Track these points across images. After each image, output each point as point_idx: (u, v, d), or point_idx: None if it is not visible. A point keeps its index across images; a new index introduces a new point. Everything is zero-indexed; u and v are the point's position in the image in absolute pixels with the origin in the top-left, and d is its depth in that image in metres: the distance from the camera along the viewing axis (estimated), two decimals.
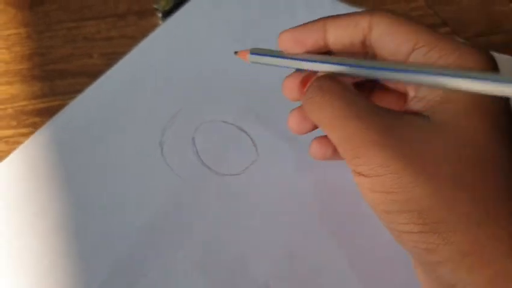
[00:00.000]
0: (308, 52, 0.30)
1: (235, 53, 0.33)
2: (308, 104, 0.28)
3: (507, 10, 0.52)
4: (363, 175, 0.25)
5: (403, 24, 0.27)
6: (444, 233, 0.23)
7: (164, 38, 0.45)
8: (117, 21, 0.48)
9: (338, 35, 0.29)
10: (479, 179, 0.23)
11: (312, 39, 0.29)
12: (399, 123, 0.24)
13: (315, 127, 0.32)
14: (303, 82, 0.29)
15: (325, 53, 0.30)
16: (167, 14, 0.48)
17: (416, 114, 0.25)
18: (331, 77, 0.28)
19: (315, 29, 0.29)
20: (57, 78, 0.43)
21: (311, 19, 0.30)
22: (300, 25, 0.30)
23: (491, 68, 0.25)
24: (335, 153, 0.32)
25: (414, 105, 0.26)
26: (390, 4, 0.50)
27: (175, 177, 0.36)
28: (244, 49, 0.32)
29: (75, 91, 0.41)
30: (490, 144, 0.24)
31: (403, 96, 0.29)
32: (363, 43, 0.28)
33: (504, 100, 0.25)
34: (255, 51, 0.32)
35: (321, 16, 0.30)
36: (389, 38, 0.27)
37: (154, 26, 0.47)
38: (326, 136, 0.32)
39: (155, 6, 0.48)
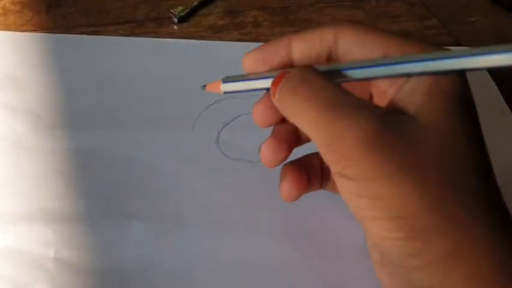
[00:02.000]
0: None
1: (204, 87, 0.32)
2: (286, 96, 0.26)
3: None
4: (349, 178, 0.24)
5: (370, 33, 0.26)
6: (429, 237, 0.22)
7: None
8: (135, 28, 0.48)
9: (303, 51, 0.28)
10: (458, 180, 0.23)
11: (277, 57, 0.28)
12: (389, 125, 0.23)
13: (281, 120, 0.30)
14: (278, 78, 0.27)
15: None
16: (182, 19, 0.48)
17: (402, 115, 0.24)
18: (314, 67, 0.26)
19: (280, 46, 0.28)
20: None
21: None
22: (264, 44, 0.29)
23: None
24: (307, 189, 0.31)
25: (396, 106, 0.25)
26: (405, 22, 0.51)
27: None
28: (213, 81, 0.32)
29: None
30: (470, 145, 0.23)
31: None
32: (329, 57, 0.28)
33: (472, 99, 0.25)
34: (227, 80, 0.31)
35: None
36: (357, 48, 0.27)
37: (171, 34, 0.48)
38: (295, 172, 0.30)
39: (171, 11, 0.48)
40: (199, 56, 0.45)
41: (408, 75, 0.25)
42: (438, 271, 0.22)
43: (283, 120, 0.29)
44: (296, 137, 0.30)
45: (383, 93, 0.26)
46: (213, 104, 0.41)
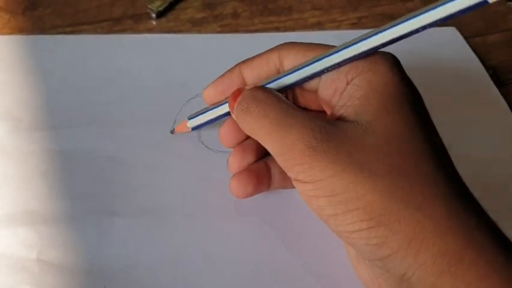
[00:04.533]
0: None
1: (172, 132, 0.37)
2: (242, 115, 0.29)
3: (503, 10, 0.52)
4: (305, 182, 0.26)
5: (310, 49, 0.29)
6: (390, 224, 0.24)
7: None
8: (113, 26, 0.47)
9: (255, 76, 0.32)
10: (411, 167, 0.24)
11: (233, 86, 0.32)
12: (334, 130, 0.25)
13: (247, 137, 0.33)
14: (234, 96, 0.30)
15: None
16: (161, 14, 0.48)
17: (345, 120, 0.26)
18: (264, 87, 0.29)
19: (233, 76, 0.32)
20: None
21: None
22: (219, 77, 0.33)
23: (396, 65, 0.27)
24: (256, 188, 0.33)
25: (338, 113, 0.27)
26: (387, 5, 0.51)
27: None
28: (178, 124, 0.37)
29: None
30: (414, 134, 0.25)
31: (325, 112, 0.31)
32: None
33: (413, 91, 0.27)
34: (192, 116, 0.35)
35: None
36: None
37: (150, 30, 0.47)
38: (244, 171, 0.33)
39: (149, 6, 0.48)
40: (179, 50, 0.45)
41: (326, 71, 0.28)
42: (408, 255, 0.23)
43: (247, 138, 0.33)
44: (258, 148, 0.32)
45: (328, 103, 0.29)
46: (194, 98, 0.40)
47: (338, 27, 0.49)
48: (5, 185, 0.34)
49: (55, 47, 0.44)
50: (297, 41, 0.31)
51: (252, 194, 0.33)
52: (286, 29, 0.48)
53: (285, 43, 0.31)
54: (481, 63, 0.46)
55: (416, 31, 0.25)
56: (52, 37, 0.45)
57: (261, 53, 0.31)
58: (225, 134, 0.33)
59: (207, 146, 0.37)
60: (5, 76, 0.41)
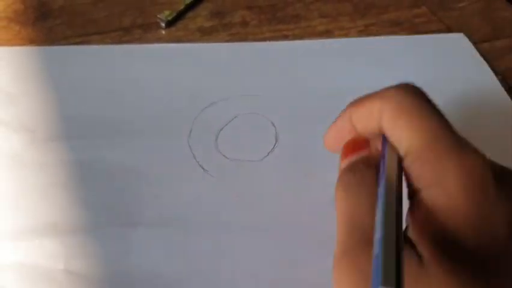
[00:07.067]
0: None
1: None
2: (339, 187, 0.25)
3: (509, 15, 0.52)
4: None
5: (404, 114, 0.23)
6: None
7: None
8: (123, 35, 0.47)
9: (362, 126, 0.26)
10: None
11: (346, 133, 0.27)
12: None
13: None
14: (345, 151, 0.26)
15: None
16: (170, 24, 0.48)
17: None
18: (370, 164, 0.25)
19: (345, 123, 0.26)
20: None
21: None
22: (333, 123, 0.27)
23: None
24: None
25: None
26: (394, 12, 0.51)
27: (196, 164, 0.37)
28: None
29: None
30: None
31: None
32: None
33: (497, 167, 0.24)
34: None
35: None
36: (391, 131, 0.24)
37: (159, 39, 0.47)
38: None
39: (158, 16, 0.48)
40: (189, 59, 0.45)
41: None
42: None
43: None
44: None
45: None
46: (208, 106, 0.40)
47: (346, 35, 0.49)
48: (26, 197, 0.34)
49: (66, 58, 0.44)
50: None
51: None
52: (294, 37, 0.48)
53: (388, 91, 0.25)
54: (489, 68, 0.46)
55: None
56: (63, 48, 0.46)
57: (368, 97, 0.26)
58: (330, 139, 0.28)
59: (224, 155, 0.37)
60: (16, 88, 0.41)
